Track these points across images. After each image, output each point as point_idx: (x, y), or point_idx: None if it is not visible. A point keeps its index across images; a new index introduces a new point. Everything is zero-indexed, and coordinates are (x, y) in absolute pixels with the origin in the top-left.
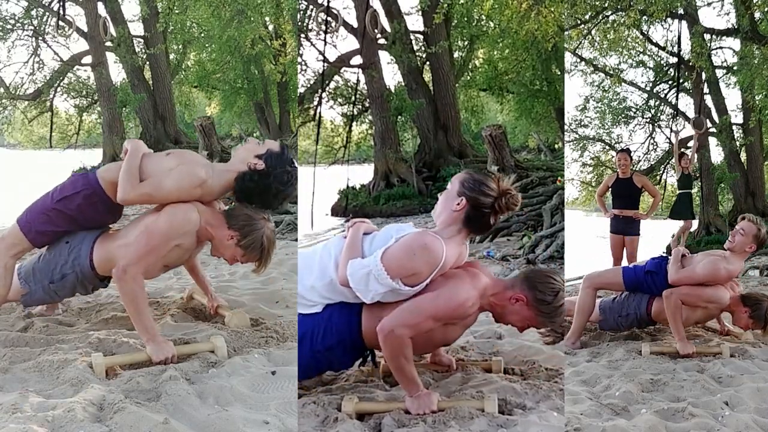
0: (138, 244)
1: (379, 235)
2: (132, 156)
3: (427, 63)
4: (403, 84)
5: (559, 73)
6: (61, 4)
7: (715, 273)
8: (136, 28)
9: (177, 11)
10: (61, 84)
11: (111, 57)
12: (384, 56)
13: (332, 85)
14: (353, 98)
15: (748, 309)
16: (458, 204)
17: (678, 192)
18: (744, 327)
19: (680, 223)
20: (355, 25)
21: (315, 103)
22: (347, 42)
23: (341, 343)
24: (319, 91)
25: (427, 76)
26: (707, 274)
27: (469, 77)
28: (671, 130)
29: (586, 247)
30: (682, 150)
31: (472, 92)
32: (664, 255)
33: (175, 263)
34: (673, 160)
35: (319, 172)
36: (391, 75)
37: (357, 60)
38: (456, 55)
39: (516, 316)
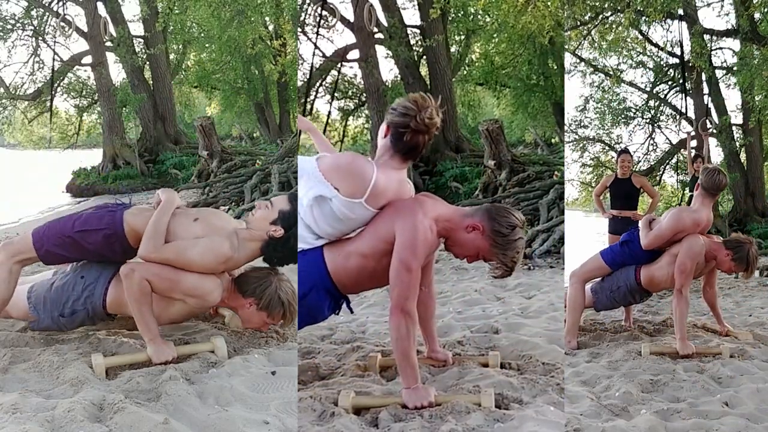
0: (158, 271)
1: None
2: (163, 213)
3: (424, 57)
4: (399, 78)
5: (555, 67)
6: (61, 4)
7: (680, 221)
8: (136, 28)
9: (177, 11)
10: (61, 84)
11: (111, 57)
12: (381, 50)
13: (329, 79)
14: (349, 92)
15: (731, 252)
16: (384, 130)
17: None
18: (727, 270)
19: None
20: (352, 19)
21: (311, 98)
22: (345, 36)
23: (313, 287)
24: (309, 81)
25: (424, 71)
26: (672, 225)
27: (465, 71)
28: (687, 133)
29: (587, 247)
30: (695, 152)
31: (469, 87)
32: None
33: (176, 320)
34: (674, 161)
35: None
36: (388, 69)
37: (354, 54)
38: (453, 49)
39: (469, 244)
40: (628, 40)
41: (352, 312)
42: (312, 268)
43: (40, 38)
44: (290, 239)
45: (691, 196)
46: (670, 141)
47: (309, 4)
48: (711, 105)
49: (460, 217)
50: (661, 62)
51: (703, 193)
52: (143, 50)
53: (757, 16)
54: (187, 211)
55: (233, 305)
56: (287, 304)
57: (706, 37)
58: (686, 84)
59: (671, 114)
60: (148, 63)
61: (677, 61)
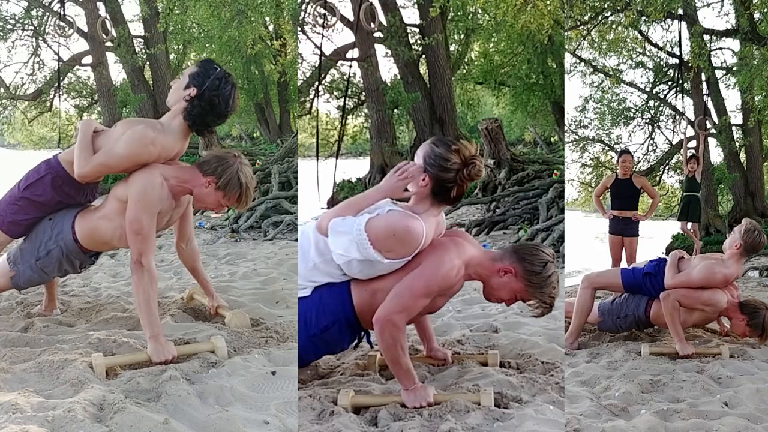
0: (133, 229)
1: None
2: (83, 134)
3: (423, 56)
4: (399, 77)
5: (555, 66)
6: (61, 4)
7: (711, 277)
8: (136, 28)
9: (177, 11)
10: (62, 84)
11: (111, 57)
12: (380, 49)
13: (328, 78)
14: (348, 91)
15: (746, 317)
16: (423, 180)
17: (684, 194)
18: (741, 335)
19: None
20: (352, 18)
21: (311, 96)
22: (345, 35)
23: (336, 322)
24: (316, 84)
25: (423, 69)
26: (703, 279)
27: (465, 70)
28: (684, 134)
29: (586, 247)
30: (692, 153)
31: (468, 85)
32: (663, 257)
33: (161, 228)
34: (674, 161)
35: (315, 165)
36: (387, 68)
37: (353, 53)
38: (452, 48)
39: (505, 288)
40: (628, 40)
41: (372, 347)
42: (338, 302)
43: (40, 38)
44: (204, 93)
45: (684, 197)
46: (669, 141)
47: (309, 4)
48: (711, 105)
49: (490, 261)
50: (661, 62)
51: (741, 251)
52: (143, 50)
53: (757, 16)
54: (109, 128)
55: (191, 186)
56: (245, 186)
57: (706, 37)
58: (685, 84)
59: (671, 114)
60: (148, 63)
61: (677, 61)
